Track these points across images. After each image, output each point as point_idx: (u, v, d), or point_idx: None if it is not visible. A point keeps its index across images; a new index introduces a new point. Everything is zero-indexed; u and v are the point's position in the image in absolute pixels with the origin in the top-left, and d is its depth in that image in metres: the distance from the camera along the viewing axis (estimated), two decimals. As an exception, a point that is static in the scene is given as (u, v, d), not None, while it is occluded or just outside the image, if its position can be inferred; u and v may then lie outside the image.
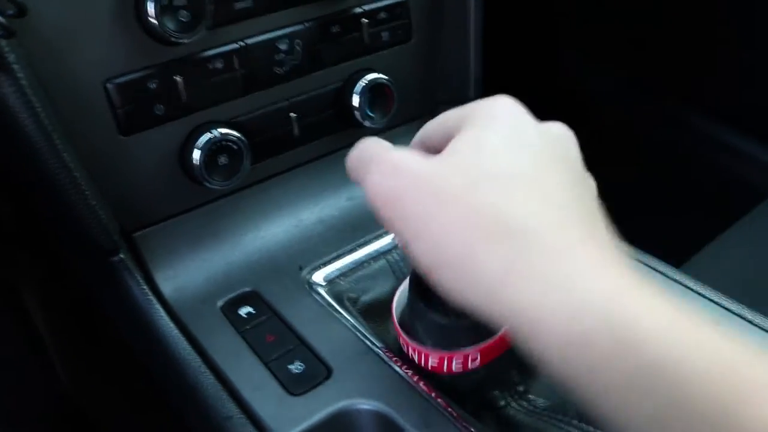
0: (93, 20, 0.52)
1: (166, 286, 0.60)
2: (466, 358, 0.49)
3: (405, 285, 0.54)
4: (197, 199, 0.63)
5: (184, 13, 0.53)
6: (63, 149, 0.52)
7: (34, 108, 0.50)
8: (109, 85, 0.54)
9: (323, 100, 0.66)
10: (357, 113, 0.66)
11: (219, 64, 0.58)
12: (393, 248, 0.65)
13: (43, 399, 0.99)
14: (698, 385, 0.30)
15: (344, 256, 0.64)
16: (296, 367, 0.53)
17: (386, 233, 0.66)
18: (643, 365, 0.31)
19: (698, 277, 0.60)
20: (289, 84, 0.63)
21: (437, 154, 0.40)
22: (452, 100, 0.76)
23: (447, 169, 0.38)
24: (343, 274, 0.63)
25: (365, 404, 0.50)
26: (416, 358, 0.51)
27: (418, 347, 0.50)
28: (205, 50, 0.57)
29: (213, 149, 0.58)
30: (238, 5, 0.58)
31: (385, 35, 0.67)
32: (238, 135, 0.59)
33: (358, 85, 0.65)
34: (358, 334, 0.55)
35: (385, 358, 0.53)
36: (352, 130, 0.68)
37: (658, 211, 1.21)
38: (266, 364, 0.53)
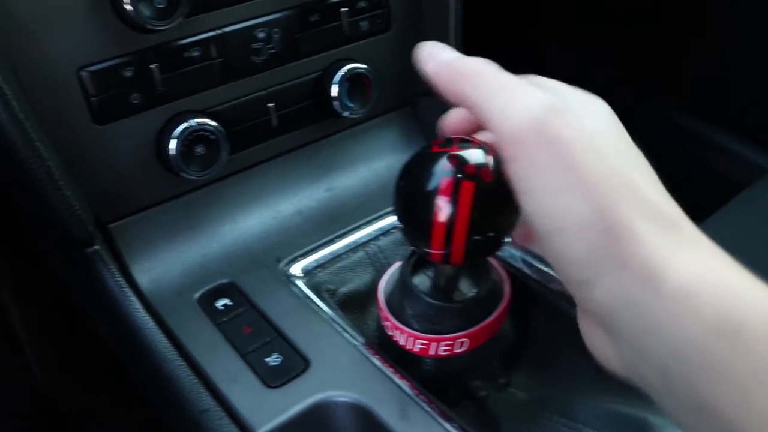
0: (66, 6, 0.51)
1: (142, 278, 0.59)
2: (453, 342, 0.50)
3: (392, 269, 0.54)
4: (174, 190, 0.62)
5: (160, -1, 0.52)
6: (36, 138, 0.51)
7: (5, 96, 0.48)
8: (83, 73, 0.53)
9: (302, 90, 0.65)
10: (336, 103, 0.65)
11: (196, 53, 0.57)
12: (372, 240, 0.65)
13: (19, 396, 0.97)
14: None
15: (322, 248, 0.64)
16: (273, 359, 0.53)
17: (365, 224, 0.66)
18: None
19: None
20: (267, 73, 0.63)
21: None
22: (432, 91, 0.76)
23: None
24: (321, 265, 0.62)
25: (343, 396, 0.50)
26: (401, 341, 0.51)
27: (405, 330, 0.50)
28: (182, 38, 0.57)
29: (190, 139, 0.57)
30: (216, -8, 0.57)
31: (364, 25, 0.67)
32: (216, 125, 0.59)
33: (336, 74, 0.65)
34: (336, 326, 0.55)
35: (363, 350, 0.53)
36: (330, 120, 0.68)
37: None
38: (243, 357, 0.53)
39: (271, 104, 0.63)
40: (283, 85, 0.64)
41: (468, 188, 0.41)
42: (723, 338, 0.31)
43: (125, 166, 0.58)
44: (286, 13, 0.62)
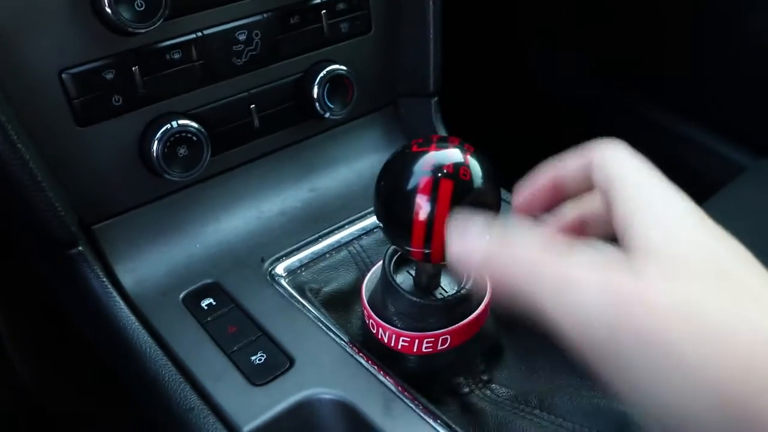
0: (47, 8, 0.51)
1: (127, 279, 0.60)
2: (436, 339, 0.50)
3: (376, 268, 0.54)
4: (157, 191, 0.62)
5: (139, 2, 0.52)
6: (18, 140, 0.51)
7: (-14, 99, 0.49)
8: (64, 75, 0.53)
9: (283, 92, 0.66)
10: (317, 104, 0.66)
11: (176, 55, 0.58)
12: (354, 239, 0.66)
13: (5, 399, 0.97)
14: None
15: (306, 248, 0.64)
16: (258, 357, 0.53)
17: (348, 224, 0.66)
18: None
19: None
20: (249, 75, 0.63)
21: None
22: (412, 91, 0.76)
23: None
24: (305, 265, 0.63)
25: (328, 394, 0.50)
26: (385, 339, 0.51)
27: (388, 327, 0.51)
28: (163, 41, 0.57)
29: (172, 140, 0.57)
30: (196, -5, 0.57)
31: (344, 26, 0.68)
32: (198, 126, 0.59)
33: (318, 76, 0.65)
34: (320, 325, 0.56)
35: (347, 348, 0.53)
36: (312, 121, 0.68)
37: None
38: (228, 355, 0.53)
39: (252, 106, 0.64)
40: (265, 86, 0.64)
41: (447, 187, 0.42)
42: None
43: (108, 167, 0.58)
44: (266, 15, 0.62)
